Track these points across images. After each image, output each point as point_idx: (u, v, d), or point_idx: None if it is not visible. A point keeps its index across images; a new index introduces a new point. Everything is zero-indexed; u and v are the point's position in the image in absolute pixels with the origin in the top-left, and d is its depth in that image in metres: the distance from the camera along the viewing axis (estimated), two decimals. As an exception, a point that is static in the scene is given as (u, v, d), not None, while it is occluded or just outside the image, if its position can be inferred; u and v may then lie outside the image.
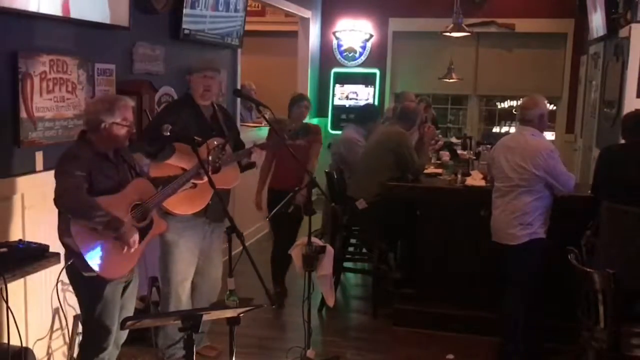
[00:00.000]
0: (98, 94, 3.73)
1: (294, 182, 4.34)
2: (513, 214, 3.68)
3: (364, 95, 8.63)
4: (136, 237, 2.82)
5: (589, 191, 3.93)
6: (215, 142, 3.39)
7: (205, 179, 2.99)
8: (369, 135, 5.40)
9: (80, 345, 3.04)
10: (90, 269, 2.73)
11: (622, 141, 3.85)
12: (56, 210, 3.38)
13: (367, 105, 6.21)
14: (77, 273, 2.80)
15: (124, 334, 3.09)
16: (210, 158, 3.25)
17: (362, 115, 5.65)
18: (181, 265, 3.60)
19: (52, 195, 3.34)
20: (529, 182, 3.64)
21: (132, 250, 2.81)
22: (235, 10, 5.38)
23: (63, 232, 2.77)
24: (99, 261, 2.73)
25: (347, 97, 8.71)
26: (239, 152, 3.68)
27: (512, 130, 7.65)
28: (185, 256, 3.60)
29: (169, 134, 3.02)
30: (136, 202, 2.92)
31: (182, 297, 3.65)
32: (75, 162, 2.77)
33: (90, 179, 2.78)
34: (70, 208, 2.73)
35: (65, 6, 3.32)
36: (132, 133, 2.97)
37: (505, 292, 3.82)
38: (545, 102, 3.89)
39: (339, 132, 8.45)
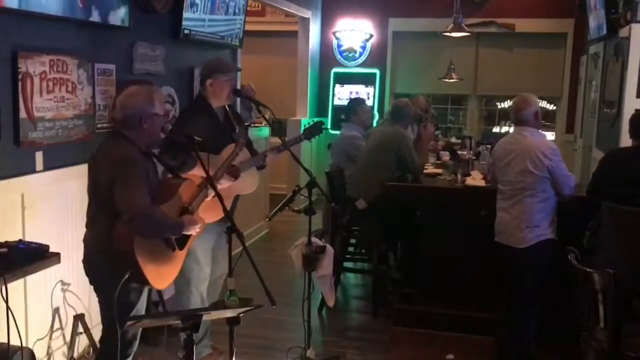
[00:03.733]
0: (98, 94, 3.74)
1: None
2: (518, 218, 3.65)
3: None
4: (198, 222, 2.90)
5: (585, 193, 3.85)
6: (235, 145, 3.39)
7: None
8: (367, 134, 5.42)
9: (103, 353, 2.96)
10: (144, 280, 2.69)
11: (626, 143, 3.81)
12: (56, 211, 3.41)
13: (350, 100, 6.37)
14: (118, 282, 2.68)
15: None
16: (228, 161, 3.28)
17: (347, 111, 5.75)
18: (201, 265, 3.60)
19: (52, 195, 3.37)
20: (534, 185, 3.61)
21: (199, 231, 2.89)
22: (235, 14, 5.38)
23: (120, 240, 2.65)
24: (153, 273, 2.72)
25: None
26: (256, 157, 3.63)
27: (512, 130, 7.63)
28: (203, 257, 3.59)
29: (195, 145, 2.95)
30: (184, 205, 2.89)
31: (204, 295, 3.66)
32: (136, 170, 2.65)
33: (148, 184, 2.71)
34: (145, 231, 2.66)
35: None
36: (166, 122, 2.91)
37: (508, 292, 3.81)
38: (536, 99, 3.86)
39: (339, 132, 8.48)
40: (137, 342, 2.96)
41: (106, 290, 2.76)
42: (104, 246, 2.71)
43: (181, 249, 2.95)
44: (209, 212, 3.34)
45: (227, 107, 3.65)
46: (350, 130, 5.47)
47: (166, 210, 2.78)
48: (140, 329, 3.02)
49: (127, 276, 2.65)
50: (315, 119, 8.54)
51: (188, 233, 2.88)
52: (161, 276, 2.82)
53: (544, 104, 8.45)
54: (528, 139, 3.68)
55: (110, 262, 2.70)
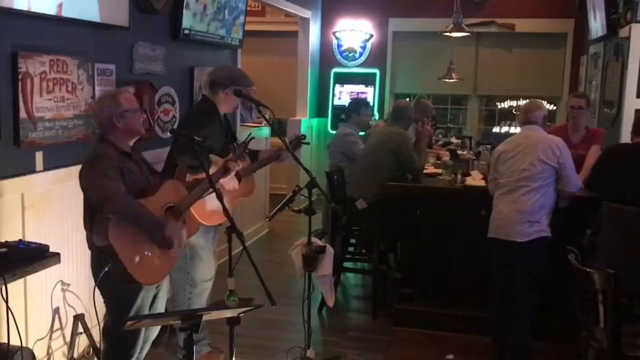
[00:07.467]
0: (98, 94, 3.74)
1: None
2: (520, 212, 3.65)
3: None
4: (183, 234, 2.83)
5: (584, 184, 3.90)
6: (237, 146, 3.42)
7: (233, 172, 3.14)
8: (368, 134, 5.43)
9: (106, 352, 2.96)
10: (128, 275, 2.67)
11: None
12: (56, 211, 3.41)
13: (354, 100, 6.51)
14: (110, 279, 2.70)
15: (155, 330, 3.11)
16: (235, 155, 3.25)
17: (346, 112, 5.77)
18: (207, 265, 3.64)
19: (52, 195, 3.37)
20: (540, 175, 3.63)
21: (177, 248, 2.81)
22: (235, 13, 5.37)
23: (98, 236, 2.68)
24: (137, 267, 2.69)
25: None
26: (261, 161, 3.75)
27: (512, 130, 7.64)
28: (210, 257, 3.65)
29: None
30: (169, 204, 2.88)
31: (207, 295, 3.71)
32: (108, 163, 2.71)
33: (122, 180, 2.72)
34: (120, 212, 2.64)
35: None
36: (145, 119, 2.94)
37: (503, 290, 3.81)
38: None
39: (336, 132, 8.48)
40: (140, 343, 2.95)
41: (100, 288, 2.80)
42: (91, 246, 2.78)
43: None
44: (212, 216, 3.36)
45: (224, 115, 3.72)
46: (345, 129, 5.51)
47: (147, 205, 2.77)
48: (146, 331, 3.03)
49: (106, 269, 2.66)
50: (315, 120, 8.59)
51: (167, 238, 2.76)
52: (149, 272, 2.77)
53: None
54: (538, 133, 3.77)
55: (99, 260, 2.74)
